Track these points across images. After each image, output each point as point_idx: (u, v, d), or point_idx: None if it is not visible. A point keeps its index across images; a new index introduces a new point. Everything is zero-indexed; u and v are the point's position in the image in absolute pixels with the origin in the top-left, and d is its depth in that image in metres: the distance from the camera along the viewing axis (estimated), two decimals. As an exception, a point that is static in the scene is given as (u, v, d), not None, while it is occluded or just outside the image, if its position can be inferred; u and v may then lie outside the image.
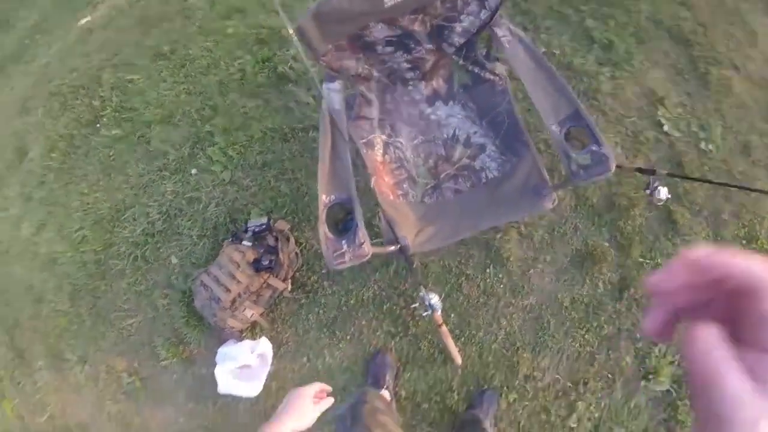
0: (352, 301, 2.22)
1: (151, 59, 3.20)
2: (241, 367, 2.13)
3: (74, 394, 2.48)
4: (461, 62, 1.93)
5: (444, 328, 1.76)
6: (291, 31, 1.50)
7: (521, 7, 2.65)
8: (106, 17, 3.72)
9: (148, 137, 2.87)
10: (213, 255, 2.34)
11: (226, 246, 2.22)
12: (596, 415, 1.94)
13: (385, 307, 2.18)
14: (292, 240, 2.27)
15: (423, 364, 2.09)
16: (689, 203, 2.15)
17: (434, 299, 1.57)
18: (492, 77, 1.91)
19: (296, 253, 2.27)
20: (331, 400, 1.09)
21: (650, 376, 1.95)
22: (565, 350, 2.03)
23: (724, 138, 2.25)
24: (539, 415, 1.97)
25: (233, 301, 2.10)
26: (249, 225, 2.24)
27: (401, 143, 1.91)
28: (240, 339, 2.20)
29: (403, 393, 2.06)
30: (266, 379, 2.17)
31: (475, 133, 1.89)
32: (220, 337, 2.25)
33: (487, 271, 2.17)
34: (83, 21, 3.81)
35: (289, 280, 2.22)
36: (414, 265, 2.13)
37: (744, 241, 2.09)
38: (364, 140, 1.86)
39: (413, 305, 2.10)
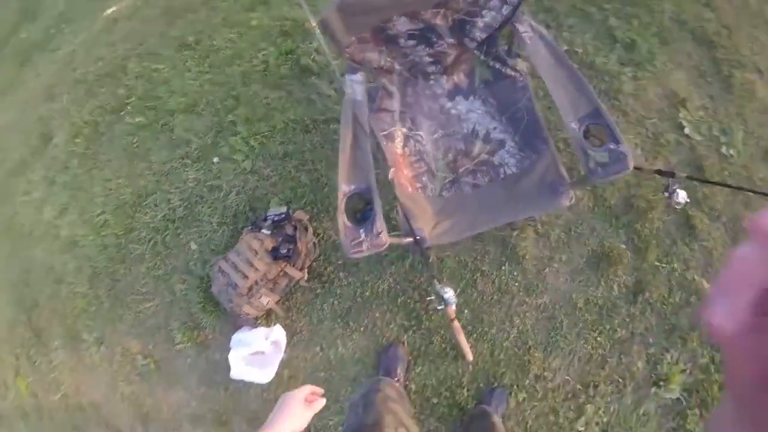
0: (367, 293, 2.23)
1: (176, 49, 3.25)
2: (255, 353, 2.15)
3: (89, 374, 2.53)
4: (482, 57, 1.93)
5: (456, 324, 1.77)
6: (314, 24, 1.52)
7: (544, 4, 2.64)
8: (131, 7, 3.78)
9: (172, 125, 2.92)
10: (232, 242, 2.37)
11: (245, 234, 2.26)
12: (605, 419, 1.92)
13: (399, 300, 2.19)
14: (311, 230, 2.29)
15: (434, 358, 2.10)
16: (708, 208, 2.12)
17: (449, 293, 1.57)
18: (513, 73, 1.91)
19: (314, 243, 2.29)
20: (323, 402, 1.09)
21: (661, 383, 1.92)
22: (576, 352, 2.02)
23: (745, 143, 2.22)
24: (547, 416, 1.96)
25: (250, 288, 2.13)
26: (268, 214, 2.27)
27: (421, 137, 1.92)
28: (255, 326, 2.23)
29: (413, 387, 2.07)
30: (278, 367, 2.20)
31: (495, 128, 1.89)
32: (235, 323, 2.28)
33: (503, 268, 2.17)
34: (109, 11, 3.88)
35: (306, 270, 2.24)
36: (430, 259, 2.15)
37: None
38: (384, 132, 1.87)
39: (429, 298, 2.11)
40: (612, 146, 1.41)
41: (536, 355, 2.03)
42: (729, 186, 1.96)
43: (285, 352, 2.22)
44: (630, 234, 2.14)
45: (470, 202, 1.78)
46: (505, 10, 1.68)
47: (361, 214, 1.54)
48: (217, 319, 2.35)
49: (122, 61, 3.39)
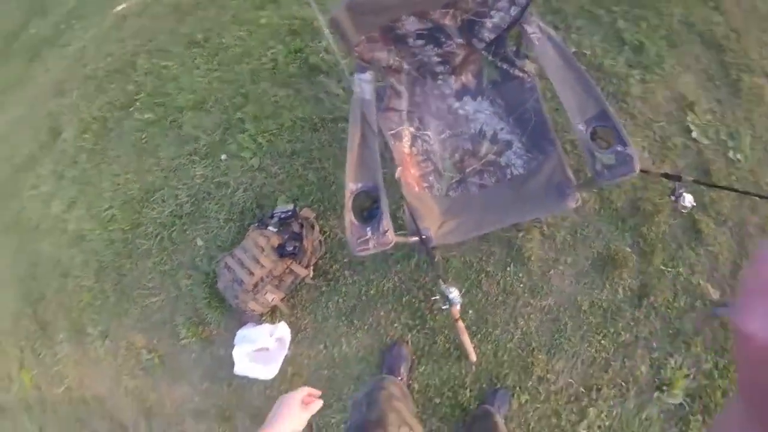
0: (372, 292, 2.24)
1: (185, 46, 3.27)
2: (259, 349, 2.16)
3: (93, 368, 2.55)
4: (491, 58, 1.94)
5: (461, 324, 1.77)
6: (322, 23, 1.53)
7: (552, 5, 2.64)
8: (141, 4, 3.82)
9: (180, 122, 2.94)
10: (238, 239, 2.39)
11: (251, 230, 2.27)
12: (607, 423, 1.91)
13: (404, 299, 2.19)
14: (317, 228, 2.30)
15: (438, 358, 2.10)
16: (714, 213, 2.11)
17: (454, 293, 1.57)
18: (521, 74, 1.91)
19: (320, 241, 2.30)
20: (320, 403, 1.10)
21: (664, 388, 1.91)
22: (580, 354, 2.01)
23: (753, 148, 2.21)
24: (550, 418, 1.95)
25: (255, 285, 2.14)
26: (275, 211, 2.28)
27: (429, 136, 1.93)
28: (259, 322, 2.24)
29: (416, 386, 2.07)
30: (282, 364, 2.21)
31: (502, 129, 1.90)
32: (240, 319, 2.29)
33: (508, 269, 2.17)
34: (119, 8, 3.91)
35: (312, 267, 2.25)
36: (435, 259, 2.15)
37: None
38: (392, 132, 1.88)
39: (433, 298, 2.12)
40: (619, 148, 1.40)
41: (540, 357, 2.03)
42: (736, 190, 1.96)
43: (289, 349, 2.23)
44: (636, 237, 2.13)
45: (477, 203, 1.79)
46: (514, 10, 1.68)
47: (368, 212, 1.54)
48: (222, 315, 2.37)
49: (131, 57, 3.42)
